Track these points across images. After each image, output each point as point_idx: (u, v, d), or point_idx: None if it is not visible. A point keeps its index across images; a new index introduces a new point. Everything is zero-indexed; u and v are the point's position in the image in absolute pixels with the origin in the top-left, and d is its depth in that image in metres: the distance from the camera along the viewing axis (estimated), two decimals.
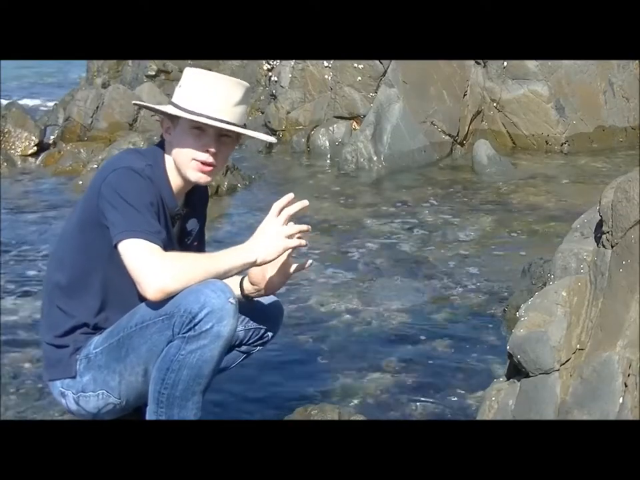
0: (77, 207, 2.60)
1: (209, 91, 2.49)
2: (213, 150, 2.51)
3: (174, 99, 2.55)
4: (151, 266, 2.32)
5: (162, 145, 2.61)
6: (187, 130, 2.51)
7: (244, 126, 2.57)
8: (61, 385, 2.56)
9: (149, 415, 2.44)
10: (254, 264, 2.48)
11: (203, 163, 2.52)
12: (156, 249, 2.34)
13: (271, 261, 2.50)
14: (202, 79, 2.54)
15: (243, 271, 2.51)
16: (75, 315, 2.53)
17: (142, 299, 2.44)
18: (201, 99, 2.48)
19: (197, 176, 2.54)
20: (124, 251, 2.35)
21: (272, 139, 2.88)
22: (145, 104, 3.02)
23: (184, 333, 2.33)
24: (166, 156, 2.57)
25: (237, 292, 2.69)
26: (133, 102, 3.09)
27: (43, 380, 2.71)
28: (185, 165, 2.53)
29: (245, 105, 2.56)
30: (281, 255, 2.49)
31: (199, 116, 2.47)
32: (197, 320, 2.31)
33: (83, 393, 2.52)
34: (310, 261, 2.72)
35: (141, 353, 2.42)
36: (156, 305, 2.36)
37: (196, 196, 2.69)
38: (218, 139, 2.52)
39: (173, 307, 2.34)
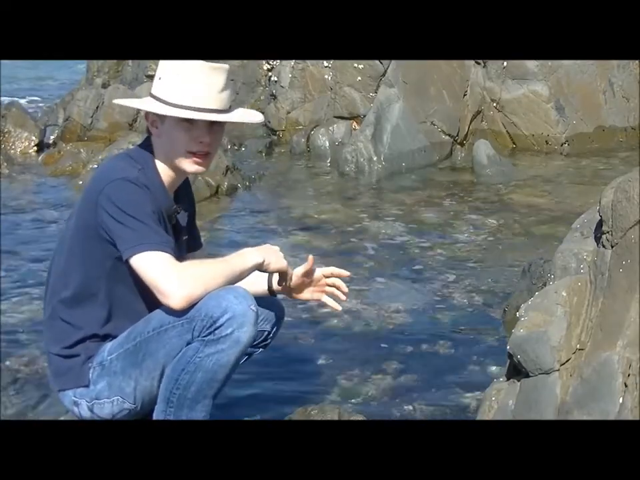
0: (73, 219, 2.54)
1: (193, 82, 2.45)
2: (206, 140, 2.49)
3: (156, 93, 2.49)
4: (171, 276, 2.31)
5: (148, 143, 2.56)
6: (176, 124, 2.46)
7: (229, 109, 2.54)
8: (74, 394, 2.53)
9: (157, 414, 2.43)
10: (261, 265, 2.50)
11: (197, 155, 2.49)
12: (170, 258, 2.33)
13: (275, 270, 2.56)
14: (182, 69, 2.48)
15: (251, 272, 2.52)
16: (82, 327, 2.50)
17: (150, 306, 2.43)
18: (186, 91, 2.44)
19: (194, 167, 2.52)
20: (138, 265, 2.34)
21: (259, 119, 2.74)
22: (131, 102, 2.97)
23: (204, 337, 2.33)
24: (155, 153, 2.53)
25: (264, 286, 2.75)
26: (114, 101, 3.01)
27: (52, 390, 2.67)
28: (179, 158, 2.49)
29: (229, 89, 2.53)
30: (284, 270, 2.58)
31: (188, 109, 2.43)
32: (217, 324, 2.31)
33: (97, 400, 2.50)
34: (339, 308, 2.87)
35: (158, 357, 2.40)
36: (175, 310, 2.35)
37: (180, 189, 2.66)
38: (209, 128, 2.49)
39: (193, 311, 2.33)
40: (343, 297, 2.83)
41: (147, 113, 2.55)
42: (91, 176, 2.58)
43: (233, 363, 2.37)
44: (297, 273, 2.73)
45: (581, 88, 8.21)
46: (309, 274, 2.76)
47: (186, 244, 2.69)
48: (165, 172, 2.53)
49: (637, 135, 8.35)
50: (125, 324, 2.49)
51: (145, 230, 2.34)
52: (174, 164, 2.52)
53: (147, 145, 2.56)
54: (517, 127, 8.17)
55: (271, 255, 2.54)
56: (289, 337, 3.80)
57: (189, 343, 2.36)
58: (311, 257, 2.75)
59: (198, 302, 2.33)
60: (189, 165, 2.51)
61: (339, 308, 2.85)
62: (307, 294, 2.80)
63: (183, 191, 2.68)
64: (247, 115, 2.74)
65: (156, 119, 2.51)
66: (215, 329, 2.32)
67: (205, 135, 2.48)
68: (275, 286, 2.75)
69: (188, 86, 2.45)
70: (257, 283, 2.72)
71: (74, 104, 8.82)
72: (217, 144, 2.58)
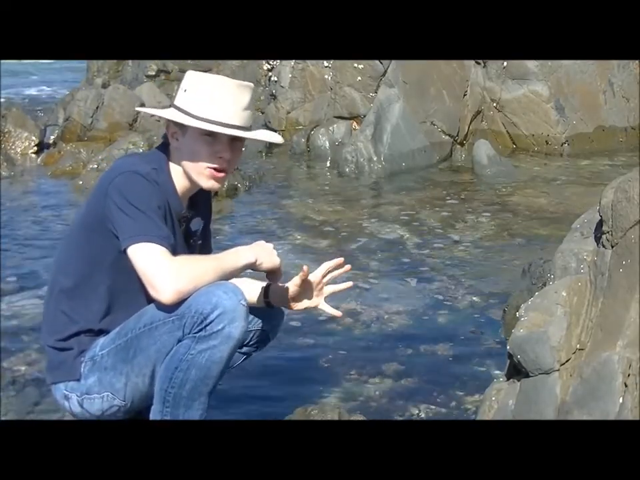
0: (81, 211, 2.57)
1: (219, 97, 2.45)
2: (226, 156, 2.49)
3: (180, 104, 2.49)
4: (163, 269, 2.31)
5: (164, 149, 2.57)
6: (198, 137, 2.46)
7: (250, 127, 2.54)
8: (65, 388, 2.53)
9: (154, 414, 2.43)
10: (253, 265, 2.50)
11: (217, 170, 2.49)
12: (166, 252, 2.34)
13: (268, 269, 2.54)
14: (209, 83, 2.48)
15: (243, 271, 2.51)
16: (78, 320, 2.51)
17: (150, 301, 2.43)
18: (212, 105, 2.44)
19: (210, 183, 2.51)
20: (134, 255, 2.34)
21: (280, 139, 2.81)
22: (153, 111, 2.96)
23: (195, 333, 2.33)
24: (170, 160, 2.54)
25: (255, 297, 2.72)
26: (136, 109, 3.04)
27: (46, 383, 2.69)
28: (198, 172, 2.49)
29: (252, 107, 2.54)
30: (277, 268, 2.54)
31: (214, 123, 2.43)
32: (208, 320, 2.31)
33: (88, 395, 2.50)
34: (338, 313, 2.79)
35: (149, 353, 2.41)
36: (166, 306, 2.35)
37: (198, 196, 2.67)
38: (230, 144, 2.49)
39: (184, 308, 2.33)
40: (347, 285, 2.77)
41: (168, 124, 2.54)
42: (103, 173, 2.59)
43: (225, 359, 2.37)
44: (293, 283, 2.67)
45: (581, 88, 8.22)
46: (304, 283, 2.69)
47: (198, 250, 2.69)
48: (178, 179, 2.54)
49: (637, 134, 8.37)
50: (123, 319, 2.50)
51: (146, 222, 2.35)
52: (190, 177, 2.52)
53: (163, 152, 2.56)
54: (516, 127, 8.18)
55: (264, 254, 2.53)
56: (290, 338, 3.80)
57: (179, 340, 2.36)
58: (305, 267, 2.67)
59: (187, 298, 2.33)
60: (205, 181, 2.51)
61: (339, 314, 2.79)
62: (305, 302, 2.73)
63: (202, 198, 2.69)
64: (269, 135, 2.76)
65: (177, 131, 2.51)
66: (206, 325, 2.32)
67: (226, 150, 2.48)
68: (272, 298, 2.74)
69: (214, 100, 2.45)
70: (254, 296, 2.71)
71: (74, 104, 8.84)
72: (235, 162, 2.58)
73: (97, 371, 2.48)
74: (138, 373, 2.44)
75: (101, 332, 2.52)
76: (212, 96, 2.46)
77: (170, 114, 2.52)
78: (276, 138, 2.77)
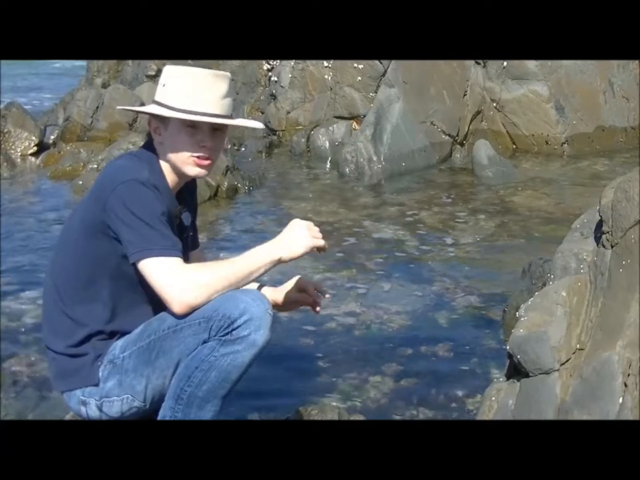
0: (78, 215, 2.55)
1: (197, 87, 2.49)
2: (209, 145, 2.52)
3: (160, 99, 2.54)
4: (173, 283, 2.33)
5: (149, 146, 2.59)
6: (180, 128, 2.50)
7: (231, 116, 2.58)
8: (82, 394, 2.51)
9: (165, 410, 2.43)
10: (279, 262, 2.46)
11: (201, 158, 2.52)
12: (175, 263, 2.35)
13: (297, 258, 2.47)
14: (187, 75, 2.52)
15: (270, 269, 2.47)
16: (87, 324, 2.50)
17: (155, 304, 2.46)
18: (190, 96, 2.48)
19: (196, 171, 2.54)
20: (143, 269, 2.37)
21: (259, 125, 2.84)
22: (131, 108, 3.00)
23: (221, 336, 2.34)
24: (159, 157, 2.56)
25: None
26: (118, 107, 3.09)
27: (56, 390, 2.66)
28: (183, 162, 2.52)
29: (231, 95, 2.58)
30: (306, 253, 2.47)
31: (193, 114, 2.47)
32: (235, 325, 2.32)
33: (107, 398, 2.49)
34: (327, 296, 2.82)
35: (172, 355, 2.41)
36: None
37: (184, 189, 2.68)
38: (212, 133, 2.52)
39: (211, 311, 2.34)
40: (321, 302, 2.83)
41: (150, 120, 2.58)
42: (100, 174, 2.59)
43: (246, 365, 2.38)
44: (284, 289, 2.73)
45: (581, 88, 8.22)
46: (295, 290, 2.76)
47: (188, 242, 2.71)
48: (168, 174, 2.57)
49: (637, 134, 8.36)
50: (129, 322, 2.50)
51: (153, 234, 2.36)
52: (177, 168, 2.55)
53: (149, 149, 2.58)
54: (516, 127, 8.18)
55: (285, 249, 2.46)
56: (290, 338, 3.80)
57: (204, 342, 2.37)
58: (297, 278, 2.73)
59: (211, 302, 2.35)
60: (191, 169, 2.54)
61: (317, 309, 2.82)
62: (290, 304, 2.80)
63: (187, 191, 2.71)
64: (248, 121, 2.87)
65: (159, 126, 2.55)
66: (233, 330, 2.33)
67: (208, 139, 2.52)
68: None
69: (192, 92, 2.49)
70: None
71: (74, 104, 8.84)
72: (219, 150, 2.61)
73: (117, 373, 2.47)
74: (159, 375, 2.44)
75: (113, 334, 2.52)
76: (190, 87, 2.50)
77: (150, 109, 2.56)
78: (255, 124, 2.83)
